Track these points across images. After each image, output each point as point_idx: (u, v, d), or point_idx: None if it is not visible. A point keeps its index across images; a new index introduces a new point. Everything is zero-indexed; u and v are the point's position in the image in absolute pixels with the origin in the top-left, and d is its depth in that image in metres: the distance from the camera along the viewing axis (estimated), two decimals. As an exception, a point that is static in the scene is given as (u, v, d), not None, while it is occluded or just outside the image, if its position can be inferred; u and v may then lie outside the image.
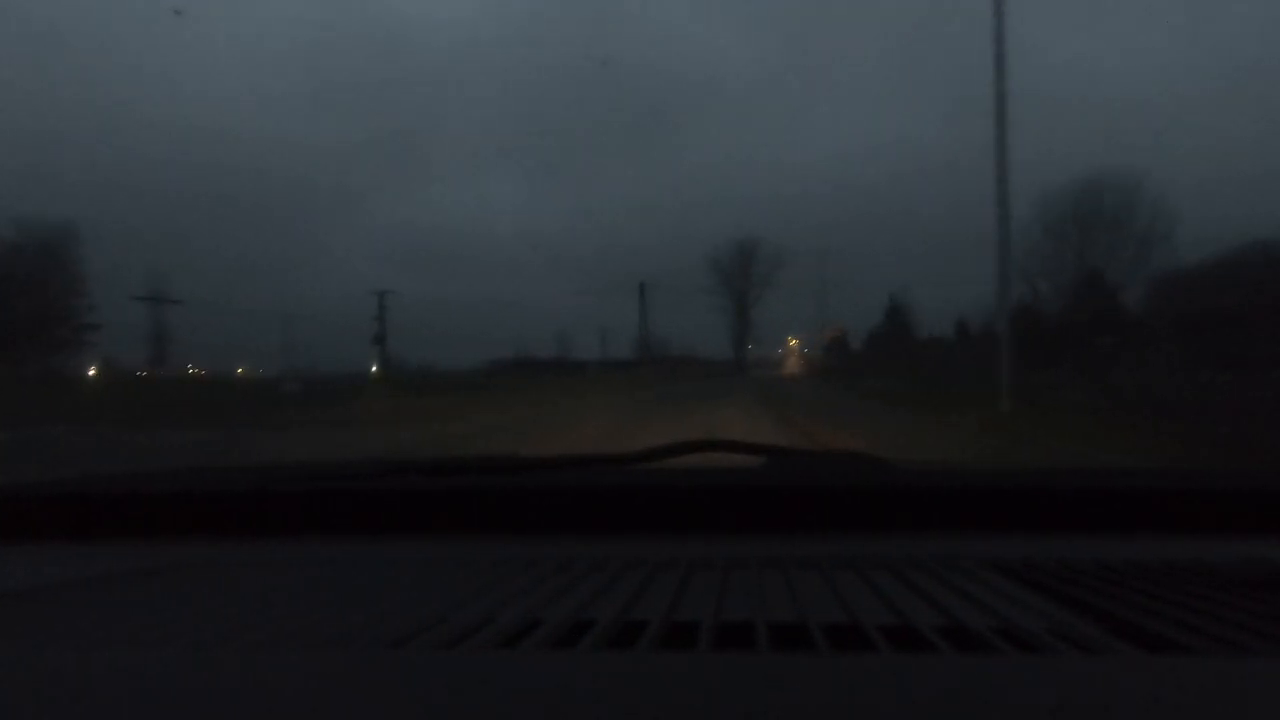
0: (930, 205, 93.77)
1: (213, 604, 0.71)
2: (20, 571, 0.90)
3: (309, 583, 0.79)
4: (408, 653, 0.55)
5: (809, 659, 0.53)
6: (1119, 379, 17.54)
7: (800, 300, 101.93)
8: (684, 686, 0.46)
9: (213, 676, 0.48)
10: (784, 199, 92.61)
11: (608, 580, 0.76)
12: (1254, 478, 1.18)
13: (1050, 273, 32.20)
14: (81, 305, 32.14)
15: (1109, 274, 30.61)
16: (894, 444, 9.63)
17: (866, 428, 12.76)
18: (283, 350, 50.15)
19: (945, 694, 0.45)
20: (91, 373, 35.96)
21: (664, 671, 0.49)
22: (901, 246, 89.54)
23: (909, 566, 0.81)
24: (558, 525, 1.08)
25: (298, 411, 17.92)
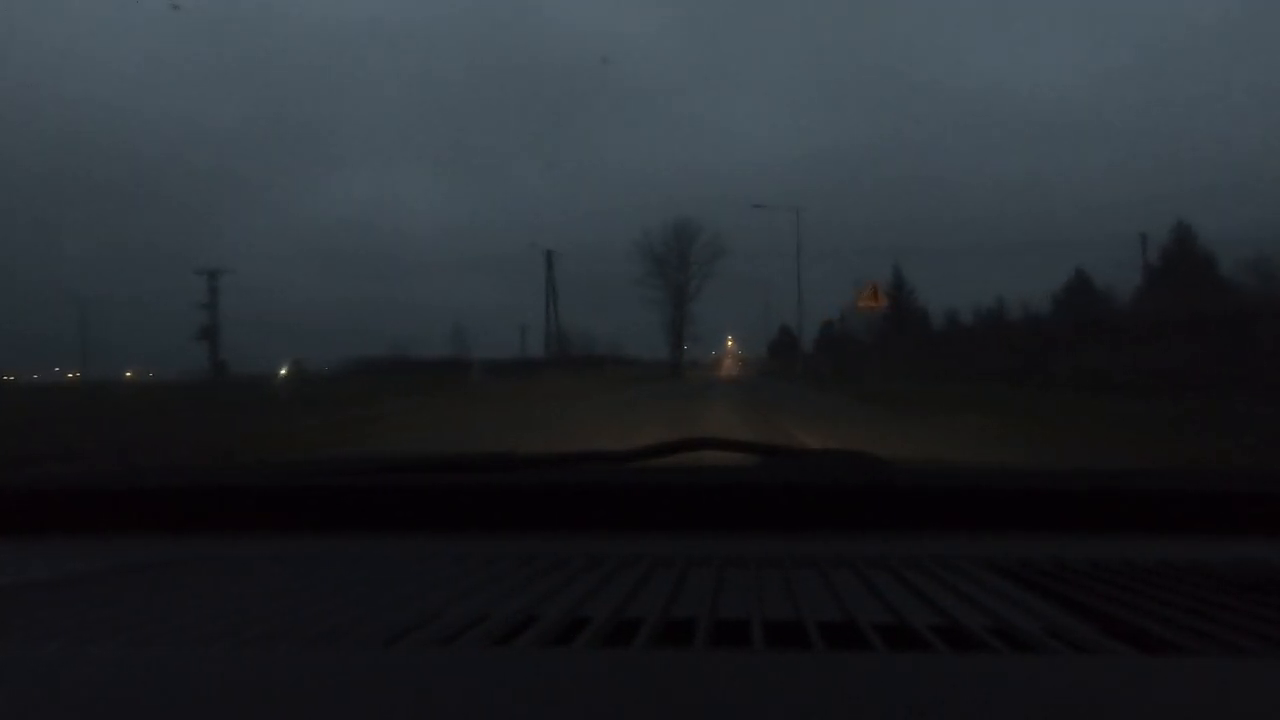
0: (871, 200, 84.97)
1: (205, 600, 0.70)
2: (13, 567, 0.88)
3: (303, 579, 0.78)
4: (402, 650, 0.55)
5: (805, 657, 0.53)
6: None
7: (739, 296, 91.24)
8: (680, 684, 0.46)
9: (205, 672, 0.48)
10: (713, 196, 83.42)
11: (603, 577, 0.75)
12: (1251, 479, 1.17)
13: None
14: None
15: None
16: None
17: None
18: (82, 346, 42.20)
19: (941, 693, 0.44)
20: None
21: (660, 668, 0.49)
22: (843, 241, 79.80)
23: (905, 565, 0.80)
24: (553, 522, 1.07)
25: None
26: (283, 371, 41.64)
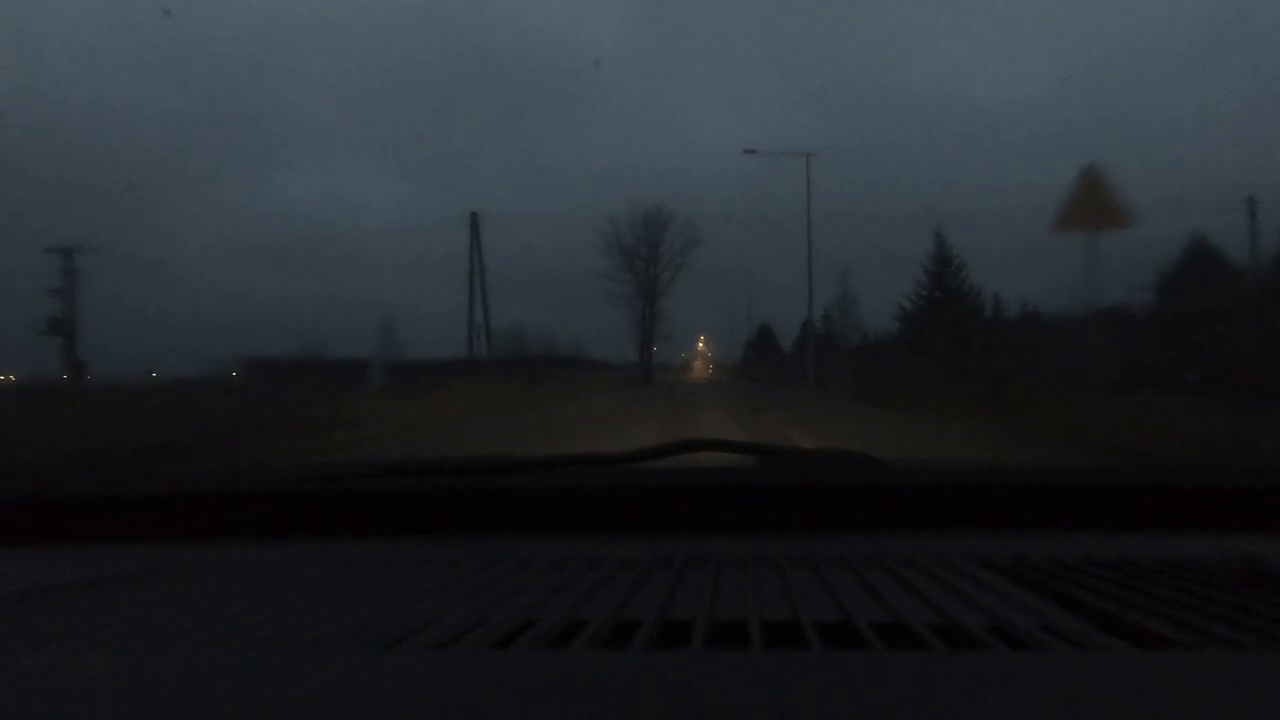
0: (859, 201, 78.04)
1: (204, 605, 0.70)
2: (13, 574, 0.88)
3: (301, 584, 0.78)
4: (401, 653, 0.55)
5: (802, 656, 0.53)
6: None
7: (712, 294, 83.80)
8: (678, 685, 0.46)
9: (204, 678, 0.48)
10: (689, 197, 76.17)
11: (601, 580, 0.75)
12: (1241, 474, 1.17)
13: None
14: None
15: None
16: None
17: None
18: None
19: (938, 691, 0.45)
20: None
21: (658, 670, 0.49)
22: (827, 243, 72.42)
23: (901, 564, 0.81)
24: (551, 525, 1.07)
25: None
26: (234, 374, 33.09)
